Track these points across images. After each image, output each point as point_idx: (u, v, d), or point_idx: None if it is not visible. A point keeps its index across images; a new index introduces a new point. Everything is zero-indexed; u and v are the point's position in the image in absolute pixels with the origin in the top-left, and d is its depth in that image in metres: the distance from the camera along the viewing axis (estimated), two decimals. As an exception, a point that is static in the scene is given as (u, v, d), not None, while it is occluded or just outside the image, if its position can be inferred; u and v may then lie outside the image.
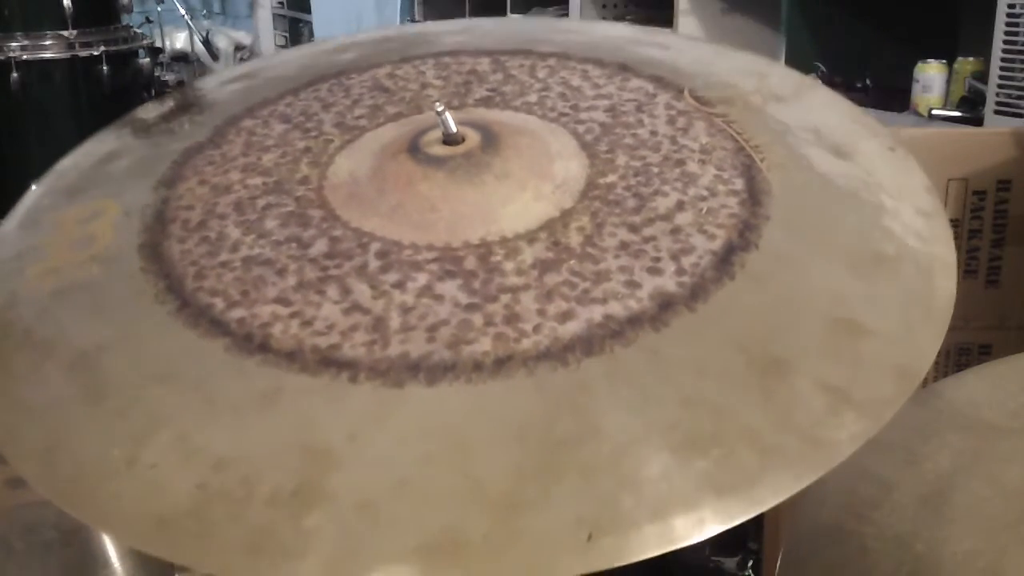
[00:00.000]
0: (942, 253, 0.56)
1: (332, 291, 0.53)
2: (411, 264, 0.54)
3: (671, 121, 0.65)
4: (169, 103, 0.76)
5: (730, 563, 1.15)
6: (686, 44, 0.82)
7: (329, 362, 0.49)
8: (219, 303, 0.53)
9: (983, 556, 0.50)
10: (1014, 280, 0.99)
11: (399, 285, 0.53)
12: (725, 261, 0.53)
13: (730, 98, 0.67)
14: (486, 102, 0.68)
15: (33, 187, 0.65)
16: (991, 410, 0.58)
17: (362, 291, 0.52)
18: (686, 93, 0.68)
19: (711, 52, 0.77)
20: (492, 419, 0.46)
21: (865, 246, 0.55)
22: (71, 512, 0.46)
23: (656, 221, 0.56)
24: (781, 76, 0.73)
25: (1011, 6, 1.58)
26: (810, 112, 0.68)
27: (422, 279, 0.53)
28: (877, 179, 0.61)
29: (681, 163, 0.61)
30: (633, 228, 0.55)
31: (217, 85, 0.79)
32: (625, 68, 0.72)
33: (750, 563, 1.14)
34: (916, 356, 0.49)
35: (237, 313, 0.52)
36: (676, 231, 0.55)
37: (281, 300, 0.52)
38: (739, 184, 0.59)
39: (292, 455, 0.45)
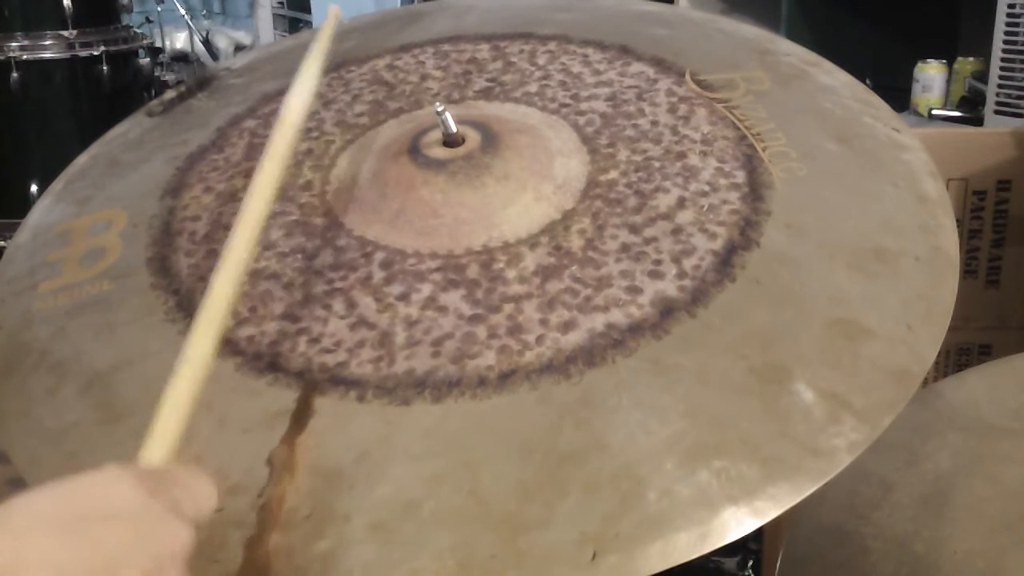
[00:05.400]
0: (944, 244, 0.56)
1: (338, 305, 0.53)
2: (415, 274, 0.54)
3: (672, 109, 0.64)
4: (183, 87, 0.76)
5: (730, 563, 1.17)
6: (688, 20, 0.80)
7: (337, 381, 0.50)
8: (228, 320, 0.54)
9: (983, 556, 0.51)
10: (1014, 280, 0.99)
11: (403, 297, 0.53)
12: (726, 262, 0.54)
13: (732, 82, 0.67)
14: (486, 94, 0.68)
15: (34, 189, 0.66)
16: (991, 410, 0.58)
17: (367, 304, 0.53)
18: (688, 77, 0.67)
19: (713, 27, 0.76)
20: (497, 436, 0.47)
21: (866, 240, 0.55)
22: (94, 539, 0.47)
23: (657, 220, 0.56)
24: (785, 53, 0.72)
25: (1011, 6, 1.55)
26: (813, 93, 0.67)
27: (426, 290, 0.53)
28: (879, 165, 0.61)
29: (682, 156, 0.61)
30: (634, 229, 0.56)
31: (223, 76, 0.79)
32: (626, 51, 0.71)
33: (750, 563, 1.16)
34: (916, 358, 0.50)
35: (247, 331, 0.53)
36: (677, 231, 0.55)
37: (288, 316, 0.53)
38: (740, 177, 0.59)
39: (303, 477, 0.47)
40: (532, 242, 0.56)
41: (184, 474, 0.40)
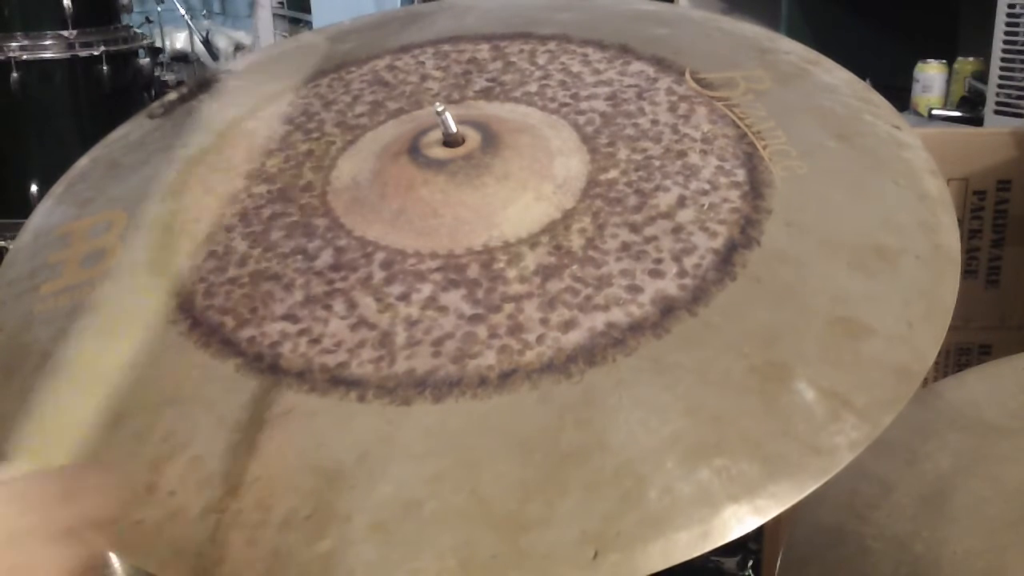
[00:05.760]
0: (945, 242, 0.56)
1: (338, 306, 0.53)
2: (415, 274, 0.54)
3: (672, 108, 0.64)
4: (184, 89, 0.76)
5: (730, 563, 1.17)
6: (688, 19, 0.80)
7: (338, 381, 0.50)
8: (229, 321, 0.54)
9: (983, 556, 0.50)
10: (1014, 280, 0.99)
11: (404, 297, 0.53)
12: (727, 261, 0.53)
13: (732, 80, 0.67)
14: (486, 94, 0.68)
15: (34, 189, 0.66)
16: (991, 410, 0.58)
17: (368, 305, 0.53)
18: (688, 76, 0.67)
19: (713, 26, 0.76)
20: (498, 435, 0.47)
21: (867, 239, 0.55)
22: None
23: (658, 219, 0.56)
24: (785, 51, 0.72)
25: (1011, 6, 1.55)
26: (813, 91, 0.67)
27: (426, 290, 0.53)
28: (880, 163, 0.61)
29: (683, 154, 0.60)
30: (634, 228, 0.56)
31: (224, 78, 0.79)
32: (626, 50, 0.71)
33: (750, 563, 1.16)
34: (917, 356, 0.49)
35: (247, 332, 0.53)
36: (678, 230, 0.55)
37: (289, 317, 0.53)
38: (741, 175, 0.59)
39: (304, 477, 0.47)
40: (532, 242, 0.56)
41: (75, 478, 0.39)
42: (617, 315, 0.51)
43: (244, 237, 0.59)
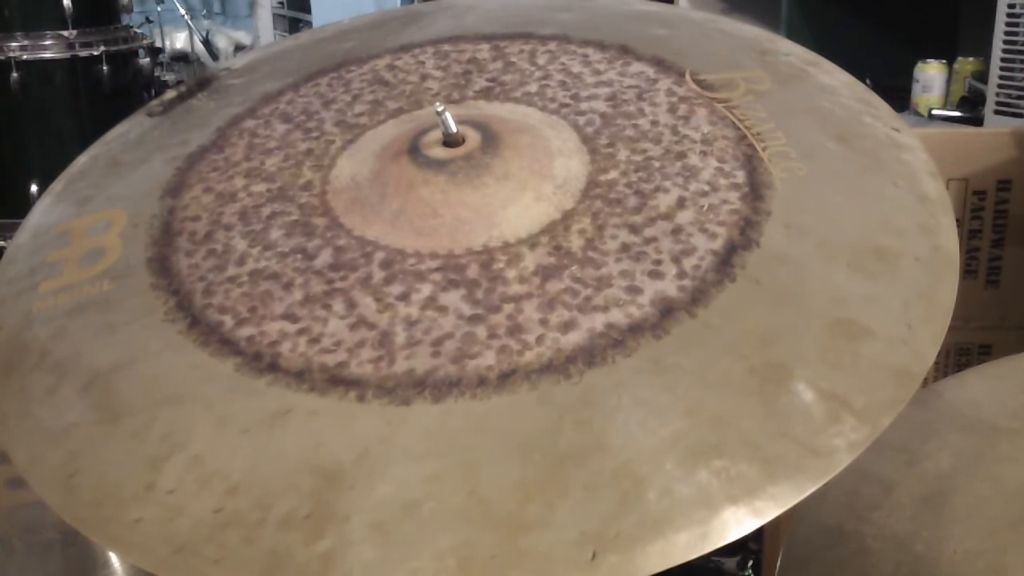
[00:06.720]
0: (944, 244, 0.56)
1: (338, 305, 0.53)
2: (415, 274, 0.54)
3: (672, 109, 0.64)
4: (183, 87, 0.76)
5: (730, 563, 1.17)
6: (688, 20, 0.80)
7: (337, 381, 0.50)
8: (228, 320, 0.54)
9: (983, 556, 0.51)
10: (1014, 280, 0.99)
11: (403, 297, 0.53)
12: (726, 262, 0.54)
13: (732, 81, 0.67)
14: (486, 94, 0.68)
15: (34, 189, 0.66)
16: (991, 410, 0.58)
17: (367, 304, 0.53)
18: (688, 77, 0.67)
19: (713, 27, 0.76)
20: (497, 435, 0.47)
21: (866, 240, 0.55)
22: (93, 538, 0.47)
23: (657, 220, 0.56)
24: (785, 53, 0.72)
25: (1011, 6, 1.55)
26: (813, 93, 0.67)
27: (426, 290, 0.53)
28: (879, 165, 0.61)
29: (682, 156, 0.61)
30: (634, 229, 0.56)
31: (223, 77, 0.79)
32: (626, 51, 0.71)
33: (750, 563, 1.16)
34: (916, 358, 0.49)
35: (246, 331, 0.53)
36: (677, 231, 0.55)
37: (288, 316, 0.53)
38: (740, 177, 0.59)
39: (303, 477, 0.47)
40: (532, 242, 0.56)
41: None
42: (616, 316, 0.51)
43: (243, 236, 0.59)
